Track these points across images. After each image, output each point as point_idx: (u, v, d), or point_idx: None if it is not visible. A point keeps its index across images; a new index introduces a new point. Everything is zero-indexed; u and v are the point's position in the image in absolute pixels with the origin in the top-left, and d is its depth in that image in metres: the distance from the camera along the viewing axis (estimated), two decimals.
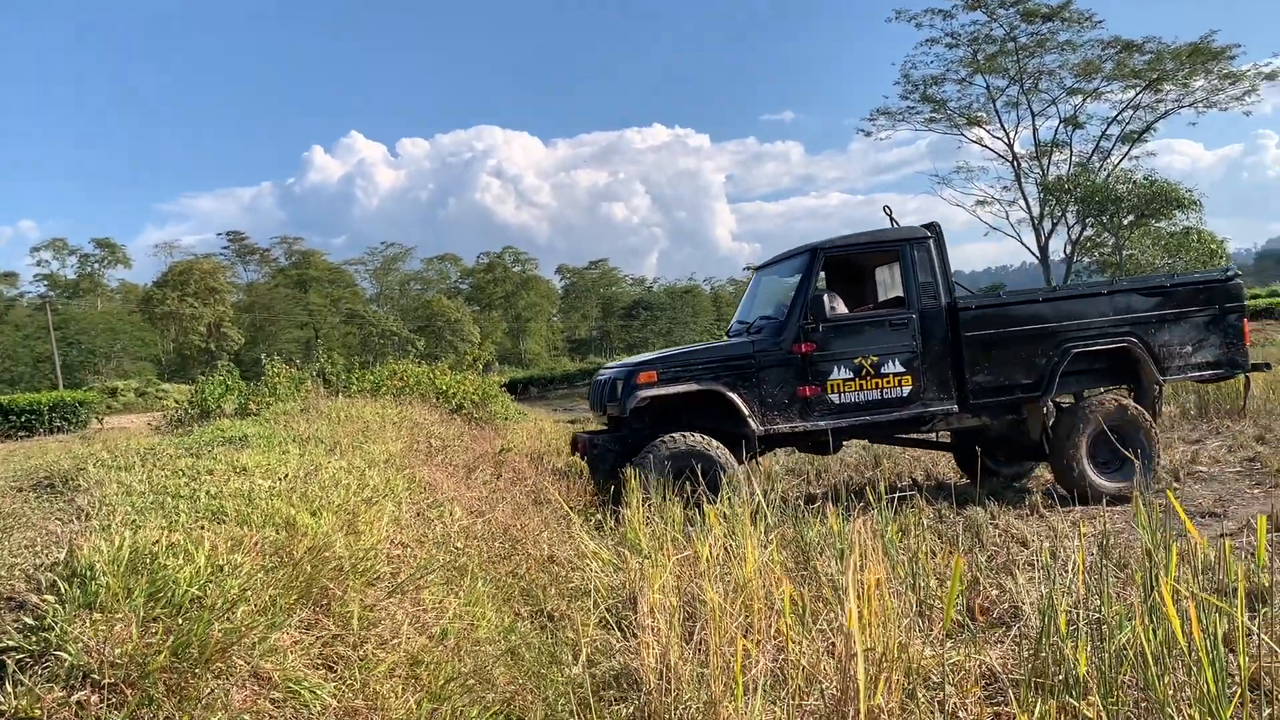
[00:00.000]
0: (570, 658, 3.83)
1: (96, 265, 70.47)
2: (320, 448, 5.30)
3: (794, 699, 2.95)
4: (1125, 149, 44.50)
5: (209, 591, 2.59)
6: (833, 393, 7.69)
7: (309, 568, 3.05)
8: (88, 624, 2.34)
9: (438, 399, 10.48)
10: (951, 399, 7.87)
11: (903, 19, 44.22)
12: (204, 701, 2.22)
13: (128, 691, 2.16)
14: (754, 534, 4.62)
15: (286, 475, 4.25)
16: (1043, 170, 44.64)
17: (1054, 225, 44.21)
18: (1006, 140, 46.33)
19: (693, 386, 7.64)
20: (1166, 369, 8.10)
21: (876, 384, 7.74)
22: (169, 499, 3.71)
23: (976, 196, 47.42)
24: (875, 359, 7.74)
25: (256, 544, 3.09)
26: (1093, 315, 8.03)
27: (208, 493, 3.84)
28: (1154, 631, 2.66)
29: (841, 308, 8.20)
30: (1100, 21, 42.21)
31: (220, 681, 2.33)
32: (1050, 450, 8.02)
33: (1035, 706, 2.63)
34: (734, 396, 7.57)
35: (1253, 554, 5.21)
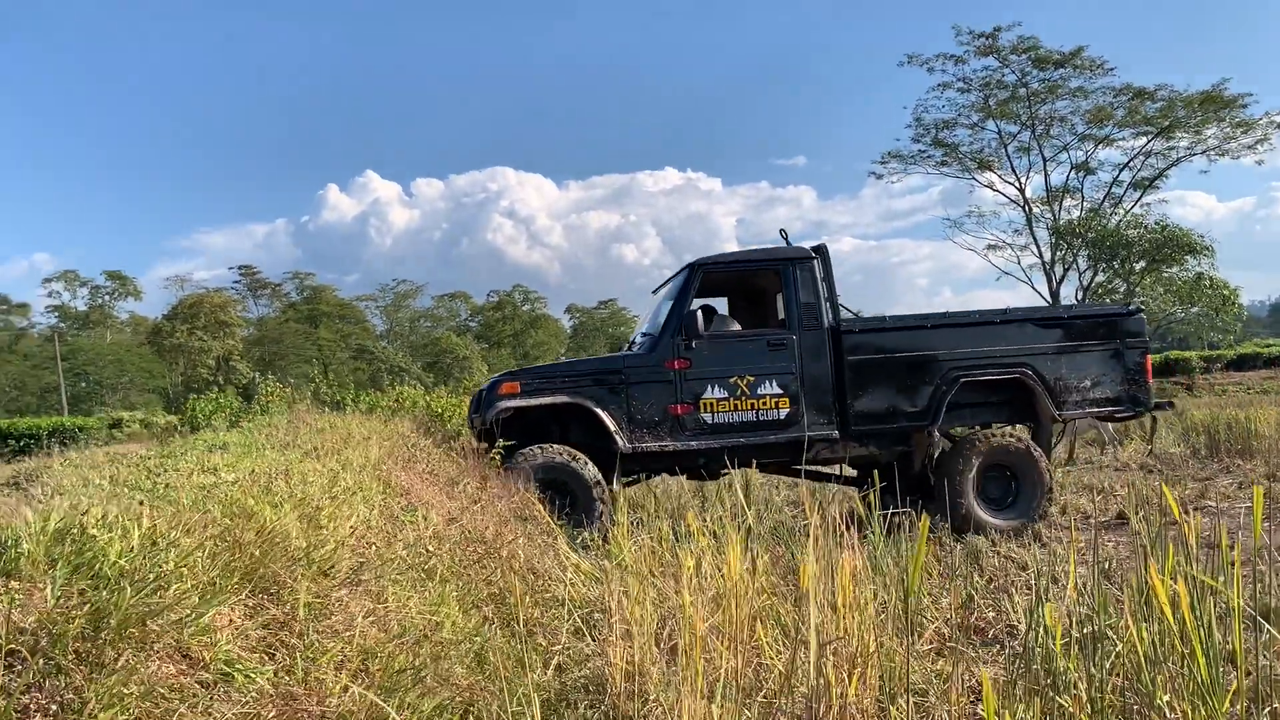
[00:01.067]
0: (540, 664, 3.67)
1: (107, 297, 70.93)
2: (297, 453, 5.16)
3: (766, 699, 2.78)
4: (1137, 195, 44.42)
5: (140, 566, 2.44)
6: (705, 412, 7.44)
7: (257, 552, 2.89)
8: (3, 592, 2.19)
9: (433, 421, 10.34)
10: (832, 425, 7.59)
11: (915, 63, 44.36)
12: (117, 672, 2.07)
13: (31, 659, 2.01)
14: (738, 544, 4.44)
15: (253, 471, 4.11)
16: (1054, 215, 44.57)
17: (1065, 271, 44.03)
18: (1018, 185, 46.30)
19: (556, 399, 7.41)
20: (1063, 403, 7.80)
21: (752, 405, 7.47)
22: (124, 489, 3.57)
23: (988, 241, 47.39)
24: (751, 379, 7.48)
25: (204, 526, 2.94)
26: (985, 345, 7.75)
27: (166, 485, 3.70)
28: (1145, 629, 2.48)
29: (736, 328, 8.01)
30: (1112, 69, 42.25)
31: (139, 654, 2.17)
32: (935, 483, 7.66)
33: (1018, 707, 2.46)
34: (599, 411, 7.32)
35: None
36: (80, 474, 4.05)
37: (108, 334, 68.67)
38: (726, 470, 7.58)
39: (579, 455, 7.24)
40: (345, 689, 2.61)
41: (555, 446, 7.28)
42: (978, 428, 7.92)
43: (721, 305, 9.28)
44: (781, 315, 8.06)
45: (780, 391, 7.48)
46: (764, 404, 7.48)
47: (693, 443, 7.42)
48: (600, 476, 7.21)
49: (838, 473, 8.76)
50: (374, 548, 3.74)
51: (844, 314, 8.01)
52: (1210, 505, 8.61)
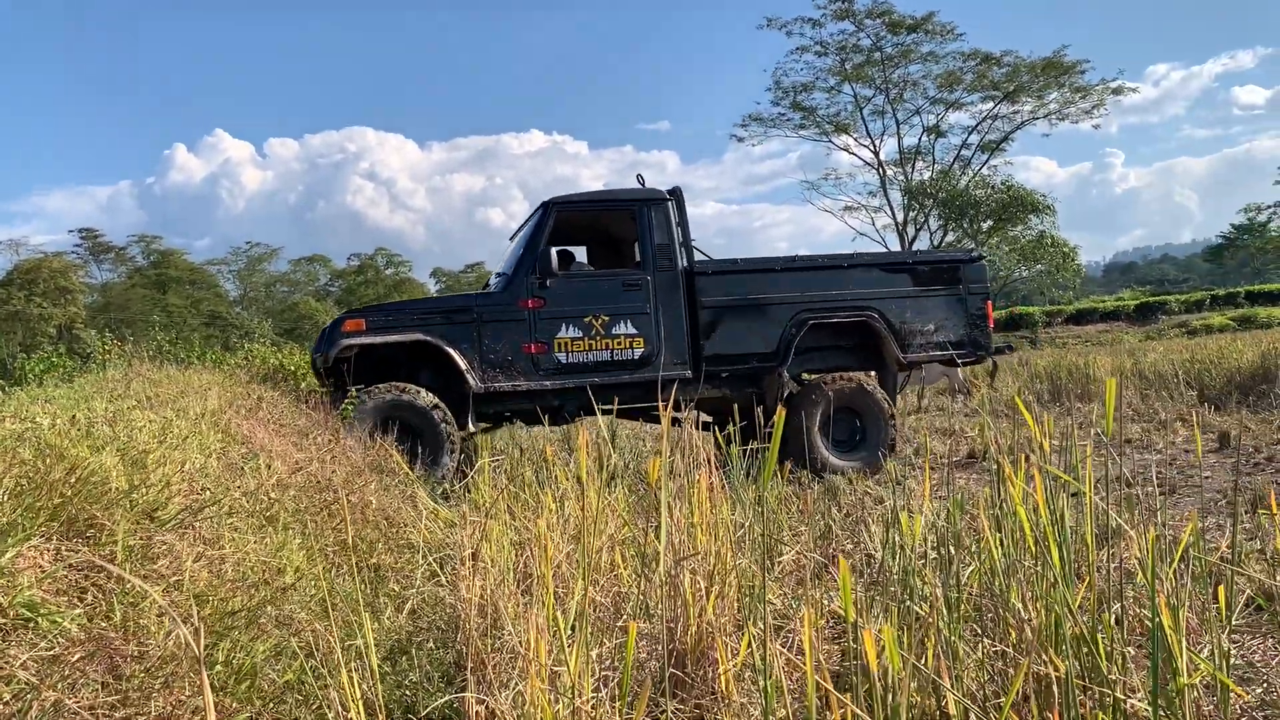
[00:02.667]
0: (392, 609, 3.51)
1: None
2: (129, 401, 4.82)
3: (624, 628, 2.69)
4: (985, 158, 46.19)
5: None
6: (560, 351, 7.41)
7: (69, 492, 2.64)
8: None
9: (284, 378, 9.91)
10: (686, 365, 7.64)
11: (774, 26, 44.99)
12: None
13: None
14: (597, 480, 4.36)
15: (74, 418, 3.80)
16: (907, 177, 45.95)
17: (917, 231, 45.54)
18: (873, 148, 47.56)
19: (403, 337, 7.23)
20: (908, 347, 7.99)
21: (607, 344, 7.48)
22: None
23: (845, 203, 48.54)
24: (606, 319, 7.48)
25: (7, 467, 2.68)
26: (833, 288, 7.90)
27: None
28: (998, 539, 2.50)
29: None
30: (962, 34, 43.74)
31: None
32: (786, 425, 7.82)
33: (877, 622, 2.44)
34: (449, 349, 7.19)
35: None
36: None
37: None
38: (582, 415, 7.54)
39: (426, 393, 7.05)
40: (168, 633, 2.41)
41: (401, 384, 7.07)
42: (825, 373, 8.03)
43: (581, 255, 9.18)
44: (638, 260, 8.04)
45: (635, 331, 7.47)
46: (619, 344, 7.46)
47: (546, 383, 7.35)
48: (450, 417, 7.05)
49: (696, 419, 8.82)
50: (208, 493, 3.50)
51: (698, 258, 8.01)
52: (1054, 443, 8.99)
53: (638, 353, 7.48)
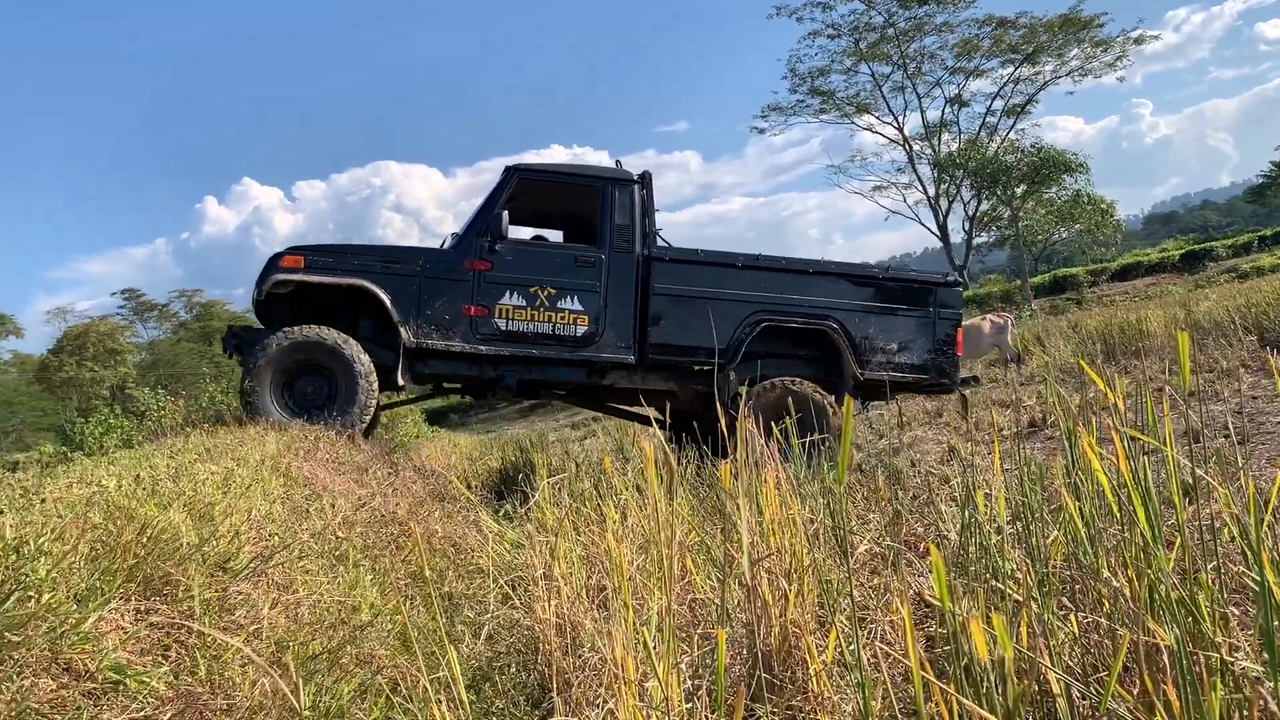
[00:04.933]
0: (470, 636, 3.50)
1: None
2: (189, 455, 4.87)
3: (705, 633, 2.66)
4: (1011, 123, 45.61)
5: (3, 578, 2.20)
6: (500, 318, 7.21)
7: (141, 551, 2.66)
8: None
9: None
10: (630, 350, 7.44)
11: (783, 14, 44.76)
12: None
13: None
14: (660, 488, 4.33)
15: (138, 477, 3.84)
16: (934, 150, 45.49)
17: (950, 203, 45.06)
18: (896, 125, 47.16)
19: (340, 280, 6.99)
20: (868, 363, 7.68)
21: (549, 317, 7.28)
22: None
23: (873, 183, 48.16)
24: (553, 291, 7.30)
25: (81, 533, 2.70)
26: (793, 293, 7.64)
27: (43, 500, 3.41)
28: (1080, 506, 2.43)
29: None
30: (974, 1, 43.26)
31: (6, 671, 1.95)
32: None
33: (963, 602, 2.38)
34: (384, 296, 6.98)
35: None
36: None
37: None
38: (514, 388, 7.37)
39: (346, 337, 6.87)
40: (254, 682, 2.41)
41: (326, 329, 6.87)
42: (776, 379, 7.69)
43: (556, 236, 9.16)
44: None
45: (581, 309, 7.30)
46: (562, 318, 7.28)
47: (482, 347, 7.17)
48: (370, 365, 6.87)
49: (652, 418, 8.71)
50: (276, 538, 3.52)
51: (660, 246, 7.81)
52: (1113, 405, 8.81)
53: (580, 330, 7.31)
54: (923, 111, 46.80)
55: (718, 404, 7.51)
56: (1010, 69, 44.65)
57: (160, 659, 2.41)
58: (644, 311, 7.46)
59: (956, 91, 46.07)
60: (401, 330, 6.97)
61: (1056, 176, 37.51)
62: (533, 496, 5.54)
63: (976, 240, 44.99)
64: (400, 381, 7.13)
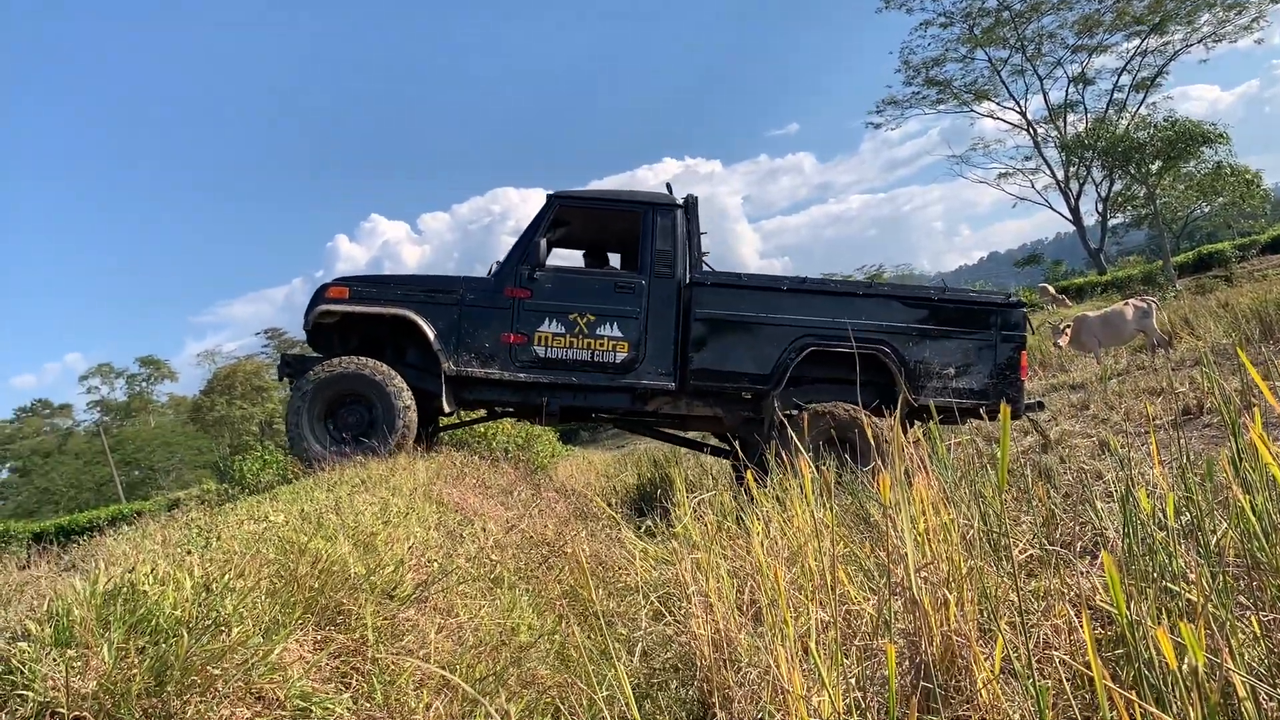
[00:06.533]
0: (625, 653, 3.55)
1: (144, 384, 71.68)
2: (345, 488, 5.08)
3: (862, 646, 2.65)
4: (1140, 97, 43.73)
5: (196, 614, 2.35)
6: (539, 345, 7.16)
7: (315, 584, 2.80)
8: (59, 661, 2.11)
9: (477, 444, 10.28)
10: (670, 377, 7.29)
11: (893, 6, 44.03)
12: None
13: None
14: (801, 499, 4.31)
15: (302, 511, 4.03)
16: (1060, 132, 43.95)
17: (1081, 185, 43.43)
18: (1019, 109, 45.79)
19: (383, 309, 7.06)
20: (923, 389, 7.38)
21: (588, 344, 7.19)
22: (178, 549, 3.49)
23: (999, 171, 46.84)
24: (592, 318, 7.21)
25: (259, 568, 2.86)
26: (842, 315, 7.36)
27: (217, 536, 3.62)
28: (1253, 504, 2.33)
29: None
30: None
31: (207, 702, 2.08)
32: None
33: (1133, 605, 2.31)
34: (424, 325, 7.02)
35: None
36: (132, 541, 3.98)
37: (150, 419, 69.46)
38: (558, 414, 7.35)
39: (385, 367, 6.95)
40: (428, 705, 2.51)
41: (369, 360, 6.98)
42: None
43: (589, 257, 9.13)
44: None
45: (620, 335, 7.22)
46: (601, 345, 7.22)
47: (521, 375, 7.16)
48: (408, 393, 6.94)
49: (709, 444, 8.69)
50: (436, 564, 3.65)
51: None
52: (1275, 386, 8.34)
53: (619, 357, 7.23)
54: (1045, 93, 45.34)
55: (763, 428, 7.43)
56: (1136, 41, 42.83)
57: (341, 685, 2.53)
58: (685, 337, 7.37)
59: (1080, 70, 44.44)
60: (441, 358, 7.06)
61: (1194, 149, 35.62)
62: (673, 511, 5.59)
63: (1112, 222, 43.23)
64: (446, 408, 7.18)
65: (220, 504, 8.61)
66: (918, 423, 7.73)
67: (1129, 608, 2.41)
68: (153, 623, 2.29)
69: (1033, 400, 8.16)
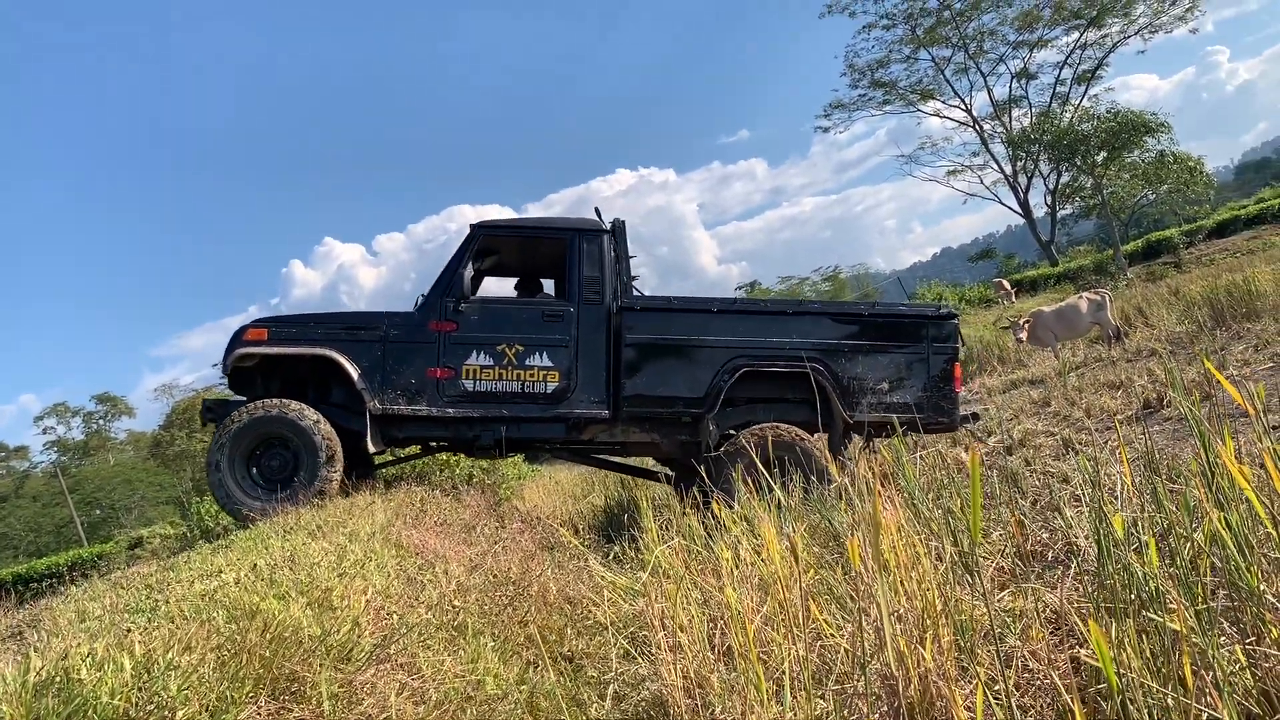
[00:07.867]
0: (595, 698, 3.45)
1: (101, 421, 70.42)
2: (301, 534, 4.94)
3: (839, 683, 2.56)
4: (1082, 90, 44.37)
5: (137, 700, 2.22)
6: (467, 379, 7.02)
7: (266, 652, 2.67)
8: None
9: (439, 473, 10.12)
10: (604, 405, 7.18)
11: (835, 10, 44.40)
12: None
13: None
14: (774, 523, 4.23)
15: (255, 566, 3.89)
16: (1006, 128, 44.48)
17: (1029, 179, 43.98)
18: (964, 107, 46.29)
19: (303, 350, 6.91)
20: (856, 405, 7.33)
21: (518, 375, 7.07)
22: (122, 614, 3.35)
23: (947, 168, 47.30)
24: (520, 349, 7.09)
25: (206, 637, 2.73)
26: (773, 335, 7.34)
27: (166, 600, 3.48)
28: (1226, 519, 2.27)
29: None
30: None
31: None
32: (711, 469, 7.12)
33: (1111, 631, 2.25)
34: (347, 363, 6.86)
35: None
36: (78, 607, 3.83)
37: (110, 457, 68.18)
38: (491, 447, 7.17)
39: (305, 408, 6.78)
40: None
41: (290, 402, 6.80)
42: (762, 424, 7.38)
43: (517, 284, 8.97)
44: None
45: (550, 365, 7.12)
46: (531, 376, 7.10)
47: (450, 410, 7.02)
48: (332, 434, 6.74)
49: (659, 470, 8.51)
50: (395, 616, 3.52)
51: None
52: (1232, 375, 8.41)
53: (550, 387, 7.12)
54: (989, 90, 45.88)
55: (701, 452, 7.33)
56: (1075, 35, 43.49)
57: None
58: (617, 364, 7.26)
59: (1022, 65, 45.05)
60: (366, 397, 6.90)
61: (1137, 139, 36.14)
62: (640, 538, 5.49)
63: (1061, 213, 43.77)
64: (372, 448, 6.98)
65: (178, 551, 8.39)
66: (855, 437, 7.72)
67: (1103, 628, 2.35)
68: (88, 714, 2.16)
69: (967, 412, 8.13)
